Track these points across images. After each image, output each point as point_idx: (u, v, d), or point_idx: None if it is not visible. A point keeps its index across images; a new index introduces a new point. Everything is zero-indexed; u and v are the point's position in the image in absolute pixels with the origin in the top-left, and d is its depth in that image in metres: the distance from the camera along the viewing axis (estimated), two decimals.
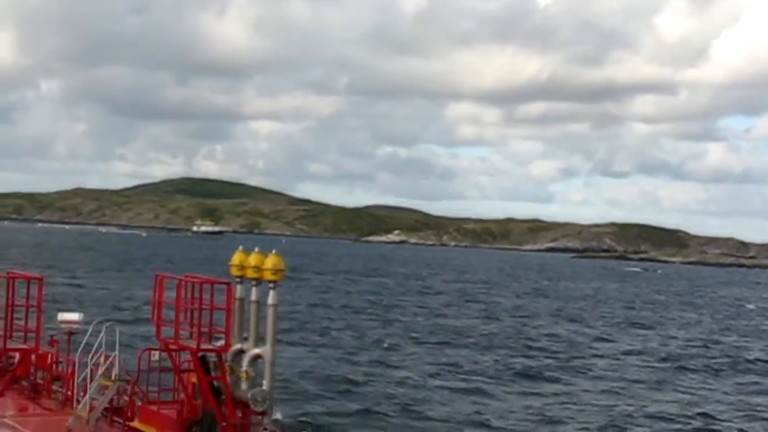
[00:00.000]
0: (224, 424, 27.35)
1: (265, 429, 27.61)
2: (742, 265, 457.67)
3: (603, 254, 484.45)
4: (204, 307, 27.67)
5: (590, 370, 68.91)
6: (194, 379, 27.93)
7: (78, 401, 28.79)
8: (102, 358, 28.97)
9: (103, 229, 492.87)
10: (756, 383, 68.22)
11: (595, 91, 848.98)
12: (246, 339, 28.19)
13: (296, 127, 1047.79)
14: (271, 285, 27.63)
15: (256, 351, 27.77)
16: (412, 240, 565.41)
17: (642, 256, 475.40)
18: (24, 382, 32.64)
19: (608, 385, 62.27)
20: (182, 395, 28.26)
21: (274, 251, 28.11)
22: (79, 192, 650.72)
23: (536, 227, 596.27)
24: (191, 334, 27.80)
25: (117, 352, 28.83)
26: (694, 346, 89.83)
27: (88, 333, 30.39)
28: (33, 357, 31.99)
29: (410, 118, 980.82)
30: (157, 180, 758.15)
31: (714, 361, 78.98)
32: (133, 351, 34.15)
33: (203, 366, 27.63)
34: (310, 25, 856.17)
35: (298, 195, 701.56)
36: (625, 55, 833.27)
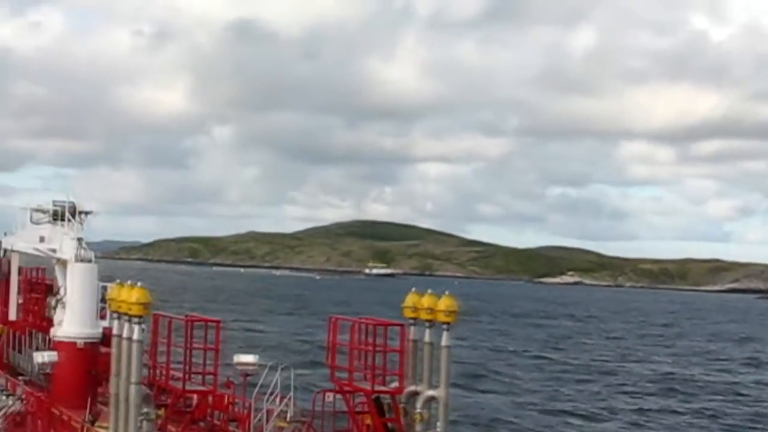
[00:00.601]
0: None
1: None
2: None
3: None
4: (378, 349, 27.58)
5: None
6: (369, 421, 27.85)
7: None
8: (277, 400, 29.15)
9: (276, 272, 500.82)
10: None
11: None
12: (420, 381, 27.96)
13: (466, 168, 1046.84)
14: (444, 326, 27.38)
15: (431, 393, 27.54)
16: (587, 281, 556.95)
17: None
18: (202, 424, 33.06)
19: None
20: None
21: (447, 292, 27.87)
22: (252, 235, 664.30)
23: (717, 267, 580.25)
24: (365, 376, 27.73)
25: (292, 394, 28.99)
26: None
27: (264, 375, 30.65)
28: (210, 398, 32.38)
29: (580, 158, 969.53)
30: (328, 223, 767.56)
31: None
32: (307, 393, 34.26)
33: (378, 407, 27.54)
34: (478, 67, 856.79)
35: (468, 236, 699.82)
36: None
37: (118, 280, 27.77)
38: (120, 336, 26.88)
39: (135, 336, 26.48)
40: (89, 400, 32.33)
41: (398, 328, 27.95)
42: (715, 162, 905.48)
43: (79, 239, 35.44)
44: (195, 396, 31.70)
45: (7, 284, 44.68)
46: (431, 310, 27.73)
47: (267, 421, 29.00)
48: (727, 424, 62.46)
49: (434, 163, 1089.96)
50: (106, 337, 32.00)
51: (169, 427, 27.76)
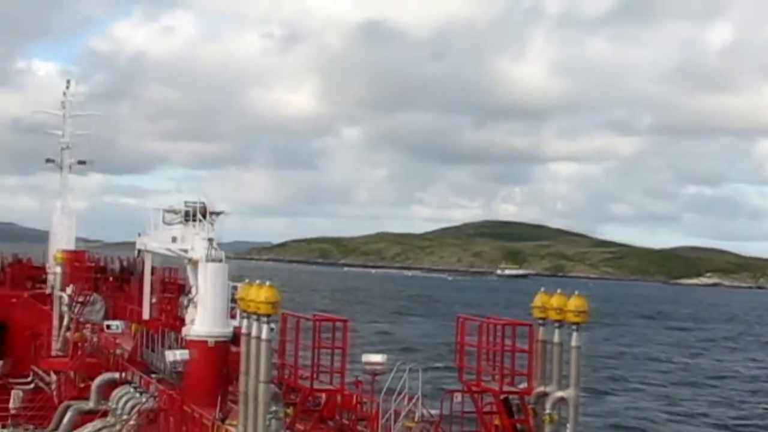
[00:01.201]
0: None
1: None
2: None
3: None
4: (506, 349, 27.31)
5: None
6: (497, 422, 27.60)
7: None
8: (405, 400, 29.09)
9: (408, 273, 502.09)
10: None
11: None
12: (549, 382, 27.61)
13: (597, 168, 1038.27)
14: (574, 327, 26.98)
15: (560, 394, 27.16)
16: (726, 282, 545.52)
17: None
18: (330, 423, 33.20)
19: None
20: None
21: (576, 293, 27.47)
22: (382, 236, 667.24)
23: None
24: (494, 377, 27.48)
25: (420, 394, 28.88)
26: None
27: (392, 374, 30.59)
28: (338, 398, 32.50)
29: (716, 156, 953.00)
30: (457, 223, 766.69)
31: None
32: (435, 393, 34.14)
33: (506, 408, 27.28)
34: (610, 64, 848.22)
35: (600, 237, 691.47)
36: None
37: (247, 280, 28.02)
38: (249, 335, 27.12)
39: (264, 335, 26.69)
40: (220, 398, 32.72)
41: (527, 328, 27.63)
42: None
43: (210, 239, 35.87)
44: (323, 395, 31.87)
45: (140, 284, 45.62)
46: (560, 310, 27.37)
47: (395, 421, 28.95)
48: None
49: (565, 162, 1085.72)
50: (236, 336, 32.34)
51: (298, 425, 27.92)
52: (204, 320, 35.18)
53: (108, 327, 46.06)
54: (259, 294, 26.81)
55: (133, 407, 35.65)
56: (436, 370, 61.00)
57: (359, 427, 32.47)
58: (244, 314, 27.58)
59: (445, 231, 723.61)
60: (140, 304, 44.50)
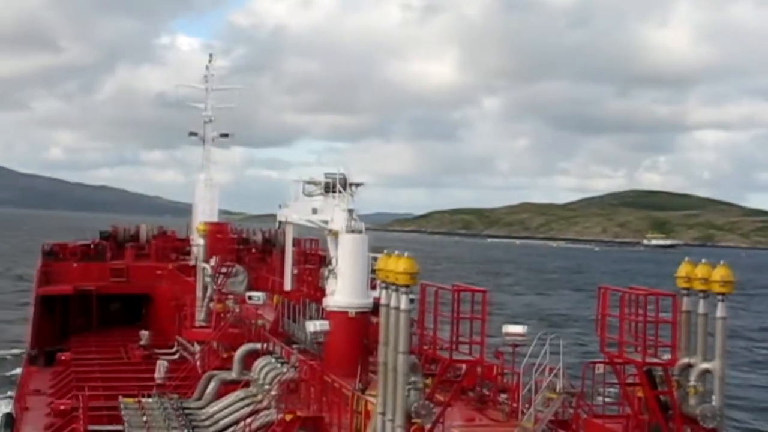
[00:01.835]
0: None
1: None
2: None
3: None
4: (649, 320, 26.67)
5: None
6: (640, 393, 27.03)
7: (523, 413, 28.73)
8: (546, 371, 28.73)
9: (553, 244, 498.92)
10: None
11: None
12: (694, 353, 26.91)
13: (745, 135, 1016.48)
14: (720, 297, 26.23)
15: (705, 366, 26.47)
16: None
17: None
18: (471, 393, 33.05)
19: None
20: (628, 409, 27.44)
21: (722, 262, 26.68)
22: (525, 207, 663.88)
23: None
24: (636, 348, 26.89)
25: (561, 365, 28.49)
26: None
27: (532, 345, 30.30)
28: (479, 369, 32.28)
29: None
30: (601, 193, 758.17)
31: None
32: (576, 363, 33.71)
33: (650, 380, 26.68)
34: (758, 29, 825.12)
35: (750, 206, 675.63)
36: None
37: (386, 250, 27.95)
38: (388, 305, 27.05)
39: (402, 305, 26.58)
40: (360, 368, 32.81)
41: (670, 298, 26.94)
42: None
43: (350, 211, 35.98)
44: (463, 366, 31.65)
45: (282, 255, 46.04)
46: (705, 280, 26.63)
47: (536, 391, 28.63)
48: None
49: (711, 130, 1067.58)
50: (377, 307, 32.36)
51: (437, 396, 27.76)
52: (344, 291, 35.37)
53: (250, 298, 46.65)
54: (397, 265, 26.71)
55: (274, 377, 36.01)
56: (577, 340, 60.24)
57: (500, 399, 32.28)
58: (383, 285, 27.50)
59: (588, 201, 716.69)
60: (282, 276, 44.93)
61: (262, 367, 37.60)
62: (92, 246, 71.06)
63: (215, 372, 41.35)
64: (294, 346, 38.23)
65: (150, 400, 40.85)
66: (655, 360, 26.68)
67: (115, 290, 66.50)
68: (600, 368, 28.50)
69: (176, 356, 53.36)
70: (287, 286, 42.69)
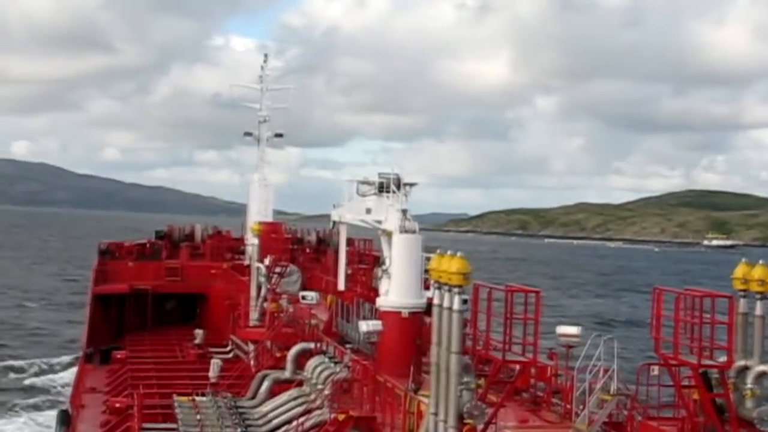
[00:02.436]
0: None
1: None
2: None
3: None
4: (705, 321, 26.36)
5: None
6: (696, 396, 26.74)
7: (577, 414, 28.48)
8: (600, 372, 28.48)
9: (611, 245, 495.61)
10: None
11: None
12: (750, 355, 26.56)
13: None
14: None
15: (762, 368, 26.13)
16: None
17: None
18: (524, 394, 32.88)
19: None
20: (683, 412, 27.14)
21: (760, 261, 26.49)
22: (581, 207, 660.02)
23: None
24: (692, 350, 26.59)
25: (615, 366, 28.23)
26: None
27: (586, 346, 30.05)
28: (532, 370, 32.09)
29: None
30: (658, 193, 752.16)
31: None
32: (630, 365, 33.39)
33: (705, 382, 26.37)
34: None
35: None
36: None
37: (438, 250, 27.87)
38: (440, 305, 26.97)
39: (455, 306, 26.48)
40: (412, 368, 32.71)
41: (726, 300, 26.61)
42: None
43: (404, 211, 35.89)
44: (516, 366, 31.47)
45: (336, 255, 46.05)
46: (763, 281, 26.31)
47: (590, 393, 28.40)
48: None
49: None
50: (430, 307, 32.26)
51: (490, 396, 27.62)
52: (397, 291, 35.26)
53: (303, 298, 46.73)
54: (450, 265, 26.62)
55: (327, 377, 36.02)
56: (631, 341, 59.75)
57: (554, 400, 32.07)
58: (436, 285, 27.42)
59: (646, 201, 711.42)
60: (335, 275, 44.95)
61: (315, 367, 37.63)
62: (148, 245, 71.67)
63: (268, 371, 41.41)
64: (347, 345, 38.20)
65: (204, 398, 41.02)
66: (710, 362, 26.38)
67: (170, 289, 66.98)
68: (655, 370, 28.20)
69: (230, 355, 53.62)
70: (341, 285, 42.71)
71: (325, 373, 36.58)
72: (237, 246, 69.73)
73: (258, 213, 65.82)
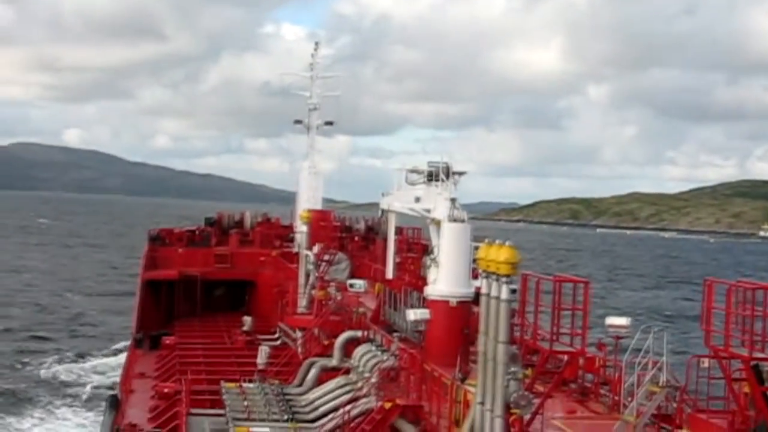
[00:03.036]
0: None
1: None
2: None
3: None
4: (757, 313, 25.95)
5: None
6: (746, 389, 26.35)
7: (625, 406, 28.19)
8: (650, 364, 28.16)
9: (665, 235, 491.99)
10: None
11: None
12: None
13: None
14: None
15: None
16: None
17: None
18: (572, 385, 32.62)
19: None
20: (733, 405, 26.77)
21: None
22: (634, 196, 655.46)
23: None
24: (743, 342, 26.20)
25: (665, 358, 27.89)
26: None
27: (635, 338, 29.76)
28: (580, 360, 31.81)
29: None
30: (711, 183, 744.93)
31: None
32: (680, 357, 33.04)
33: (756, 375, 25.96)
34: None
35: None
36: None
37: (487, 240, 27.67)
38: (488, 295, 26.78)
39: (503, 295, 26.29)
40: (460, 358, 32.54)
41: None
42: None
43: (453, 199, 35.65)
44: (564, 357, 31.21)
45: (385, 243, 45.94)
46: None
47: (638, 385, 28.08)
48: None
49: None
50: (478, 296, 32.07)
51: (537, 386, 27.42)
52: (445, 280, 35.05)
53: (351, 286, 46.68)
54: (498, 254, 26.43)
55: (374, 365, 35.97)
56: (682, 333, 59.18)
57: (602, 391, 31.80)
58: (484, 274, 27.22)
59: (699, 191, 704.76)
60: (384, 264, 44.85)
61: (363, 355, 37.61)
62: (197, 232, 72.02)
63: (316, 359, 41.47)
64: (394, 334, 38.09)
65: (251, 385, 41.12)
66: (762, 355, 25.98)
67: (219, 276, 67.29)
68: (705, 362, 27.85)
69: (278, 342, 53.71)
70: (389, 274, 42.60)
71: (372, 361, 36.54)
72: (286, 233, 69.86)
73: (307, 201, 65.87)
